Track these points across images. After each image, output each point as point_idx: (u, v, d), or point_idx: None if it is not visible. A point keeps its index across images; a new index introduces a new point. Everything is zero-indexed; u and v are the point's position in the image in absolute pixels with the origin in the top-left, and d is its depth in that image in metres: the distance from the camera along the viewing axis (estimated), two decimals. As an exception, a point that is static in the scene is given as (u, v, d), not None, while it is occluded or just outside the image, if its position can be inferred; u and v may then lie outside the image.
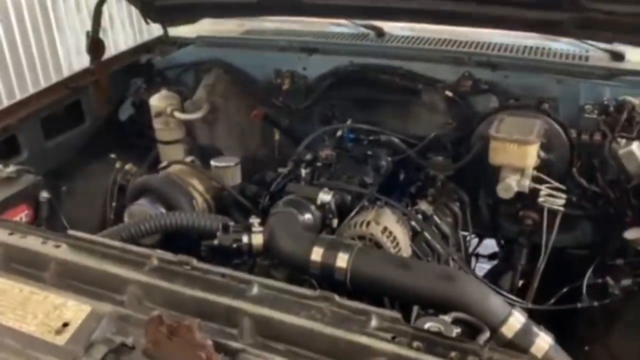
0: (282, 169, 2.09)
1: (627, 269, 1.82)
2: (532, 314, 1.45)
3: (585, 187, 2.03)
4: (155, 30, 2.90)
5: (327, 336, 1.08)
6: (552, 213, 1.95)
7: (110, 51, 2.67)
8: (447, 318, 1.17)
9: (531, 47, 2.27)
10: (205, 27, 2.76)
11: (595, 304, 1.75)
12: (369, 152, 2.07)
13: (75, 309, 1.22)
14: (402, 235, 1.68)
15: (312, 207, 1.73)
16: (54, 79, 4.23)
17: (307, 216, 1.71)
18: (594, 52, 2.20)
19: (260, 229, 1.63)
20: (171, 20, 2.71)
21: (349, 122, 2.25)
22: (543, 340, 1.33)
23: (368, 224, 1.65)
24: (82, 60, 4.36)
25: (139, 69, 2.73)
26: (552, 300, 1.86)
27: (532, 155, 1.85)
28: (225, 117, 2.52)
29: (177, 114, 2.38)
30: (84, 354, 1.12)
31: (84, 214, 2.27)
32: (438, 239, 1.82)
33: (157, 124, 2.43)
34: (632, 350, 1.61)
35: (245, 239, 1.61)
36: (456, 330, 1.12)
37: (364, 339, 1.06)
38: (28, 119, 2.26)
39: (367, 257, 1.50)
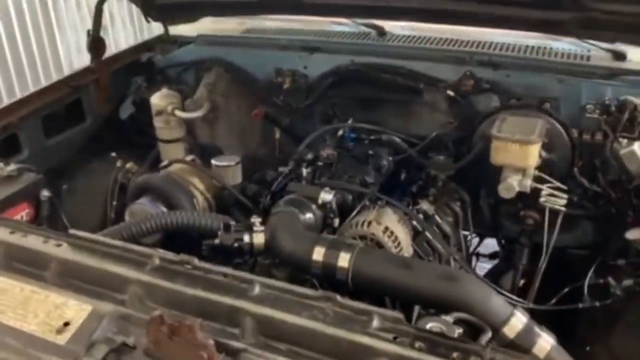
0: (283, 168, 2.09)
1: (628, 269, 1.82)
2: (533, 314, 1.44)
3: (587, 187, 2.03)
4: (155, 28, 2.90)
5: (329, 336, 1.08)
6: (554, 213, 1.95)
7: (111, 49, 2.67)
8: (449, 318, 1.17)
9: (533, 47, 2.27)
10: (206, 25, 2.76)
11: (597, 304, 1.75)
12: (370, 152, 2.07)
13: (76, 309, 1.22)
14: (403, 235, 1.67)
15: (314, 207, 1.72)
16: (55, 77, 4.23)
17: (309, 216, 1.70)
18: (596, 51, 2.19)
19: (262, 228, 1.63)
20: (172, 18, 2.71)
21: (350, 121, 2.24)
22: (545, 341, 1.33)
23: (369, 223, 1.64)
24: (82, 59, 4.35)
25: (139, 68, 2.73)
26: (554, 301, 1.85)
27: (533, 155, 1.85)
28: (226, 116, 2.52)
29: (178, 113, 2.38)
30: (85, 353, 1.11)
31: (85, 212, 2.27)
32: (439, 239, 1.81)
33: (157, 122, 2.43)
34: (634, 350, 1.61)
35: (246, 238, 1.61)
36: (458, 331, 1.12)
37: (365, 339, 1.06)
38: (29, 117, 2.26)
39: (369, 257, 1.49)
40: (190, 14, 2.67)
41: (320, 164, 1.97)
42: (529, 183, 1.87)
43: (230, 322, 1.14)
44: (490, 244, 2.50)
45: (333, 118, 2.38)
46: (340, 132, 2.19)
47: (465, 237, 2.14)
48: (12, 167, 1.95)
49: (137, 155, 2.47)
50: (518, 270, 2.12)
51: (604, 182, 2.01)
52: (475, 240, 2.40)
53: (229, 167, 2.11)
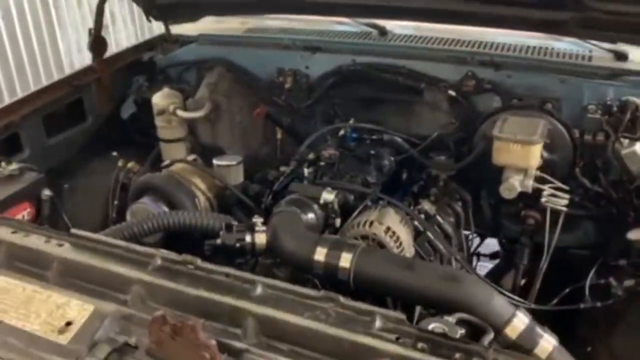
0: (285, 167, 2.09)
1: (630, 270, 1.82)
2: (534, 314, 1.44)
3: (588, 187, 2.03)
4: (156, 28, 2.89)
5: (331, 337, 1.08)
6: (555, 213, 1.94)
7: (112, 49, 2.66)
8: (451, 319, 1.17)
9: (534, 47, 2.26)
10: (208, 25, 2.76)
11: (598, 304, 1.74)
12: (372, 152, 2.07)
13: (78, 308, 1.22)
14: (405, 235, 1.67)
15: (315, 207, 1.73)
16: (55, 76, 4.25)
17: (310, 216, 1.70)
18: (598, 52, 2.19)
19: (264, 228, 1.63)
20: (173, 18, 2.71)
21: (351, 121, 2.24)
22: (547, 342, 1.33)
23: (371, 223, 1.64)
24: (83, 58, 4.36)
25: (141, 67, 2.72)
26: (555, 301, 1.85)
27: (535, 155, 1.85)
28: (228, 115, 2.52)
29: (180, 112, 2.38)
30: (87, 353, 1.12)
31: (86, 212, 2.27)
32: (441, 239, 1.81)
33: (159, 122, 2.43)
34: (635, 351, 1.61)
35: (248, 238, 1.61)
36: (460, 332, 1.12)
37: (368, 340, 1.06)
38: (30, 116, 2.26)
39: (371, 257, 1.49)
40: (192, 13, 2.67)
41: (322, 163, 1.97)
42: (530, 183, 1.87)
43: (233, 323, 1.14)
44: (491, 244, 2.51)
45: (334, 118, 2.38)
46: (341, 132, 2.19)
47: (466, 237, 2.14)
48: (14, 166, 1.96)
49: (138, 154, 2.47)
50: (519, 270, 2.12)
51: (605, 183, 2.01)
52: (476, 240, 2.41)
53: (231, 167, 2.11)
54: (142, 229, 1.73)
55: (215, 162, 2.14)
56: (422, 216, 1.86)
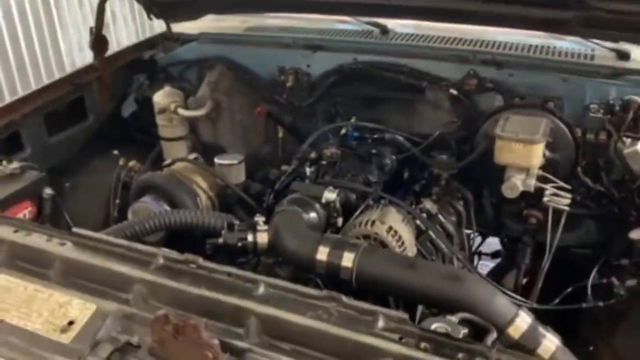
0: (286, 166, 2.09)
1: (632, 269, 1.81)
2: (536, 314, 1.44)
3: (590, 186, 2.02)
4: (157, 26, 2.89)
5: (334, 336, 1.08)
6: (557, 212, 1.94)
7: (113, 47, 2.66)
8: (454, 319, 1.16)
9: (536, 46, 2.26)
10: (209, 23, 2.76)
11: (601, 304, 1.74)
12: (374, 151, 2.07)
13: (80, 308, 1.22)
14: (407, 235, 1.67)
15: (317, 206, 1.72)
16: (57, 76, 4.23)
17: (312, 215, 1.70)
18: (600, 51, 2.19)
19: (265, 227, 1.62)
20: (174, 16, 2.70)
21: (353, 120, 2.24)
22: (550, 341, 1.33)
23: (373, 223, 1.64)
24: (84, 57, 4.36)
25: (141, 65, 2.72)
26: (557, 300, 1.85)
27: (537, 154, 1.84)
28: (229, 114, 2.51)
29: (181, 111, 2.38)
30: (90, 352, 1.11)
31: (87, 210, 2.27)
32: (443, 238, 1.81)
33: (160, 120, 2.43)
34: (637, 350, 1.61)
35: (250, 237, 1.61)
36: (463, 331, 1.12)
37: (370, 340, 1.06)
38: (31, 115, 2.25)
39: (373, 257, 1.49)
40: (193, 12, 2.67)
41: (323, 162, 1.97)
42: (532, 182, 1.86)
43: (235, 322, 1.14)
44: (492, 243, 2.50)
45: (336, 116, 2.38)
46: (343, 131, 2.18)
47: (468, 236, 2.14)
48: (15, 165, 1.95)
49: (139, 153, 2.47)
50: (521, 269, 2.11)
51: (607, 182, 2.01)
52: (478, 239, 2.40)
53: (232, 166, 2.11)
54: (144, 227, 1.73)
55: (216, 160, 2.13)
56: (424, 215, 1.86)
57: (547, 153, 1.92)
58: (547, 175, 1.91)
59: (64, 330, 1.18)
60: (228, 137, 2.53)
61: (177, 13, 2.67)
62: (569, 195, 1.92)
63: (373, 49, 2.37)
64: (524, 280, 2.13)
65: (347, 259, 1.47)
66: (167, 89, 2.44)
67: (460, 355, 1.02)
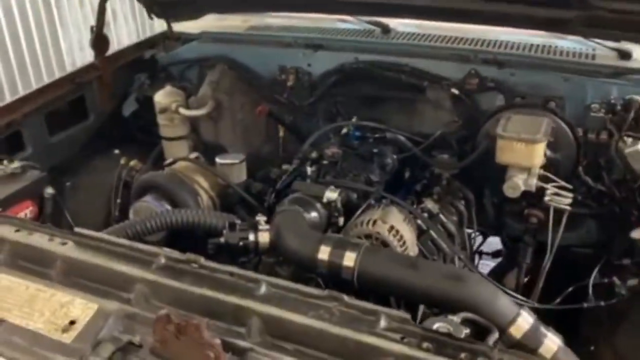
0: (287, 166, 2.09)
1: (633, 269, 1.81)
2: (537, 313, 1.44)
3: (591, 185, 2.02)
4: (158, 25, 2.89)
5: (336, 336, 1.08)
6: (558, 212, 1.94)
7: (114, 46, 2.66)
8: (456, 319, 1.16)
9: (537, 45, 2.25)
10: (210, 22, 2.75)
11: (602, 304, 1.74)
12: (375, 150, 2.06)
13: (82, 307, 1.22)
14: (408, 234, 1.67)
15: (318, 206, 1.72)
16: (57, 75, 4.23)
17: (313, 214, 1.70)
18: (601, 50, 2.18)
19: (267, 227, 1.62)
20: (175, 15, 2.70)
21: (354, 119, 2.24)
22: (552, 341, 1.33)
23: (375, 222, 1.64)
24: (85, 56, 4.36)
25: (142, 65, 2.72)
26: (558, 300, 1.85)
27: (539, 154, 1.84)
28: (230, 113, 2.51)
29: (182, 111, 2.38)
30: (91, 352, 1.11)
31: (88, 210, 2.27)
32: (444, 238, 1.81)
33: (161, 120, 2.43)
34: (639, 350, 1.61)
35: (251, 237, 1.61)
36: (465, 331, 1.12)
37: (372, 340, 1.06)
38: (32, 114, 2.25)
39: (375, 257, 1.49)
40: (194, 11, 2.66)
41: (324, 162, 1.97)
42: (534, 182, 1.86)
43: (237, 322, 1.14)
44: (493, 242, 2.50)
45: (337, 116, 2.38)
46: (344, 130, 2.18)
47: (469, 235, 2.13)
48: (16, 164, 1.95)
49: (140, 152, 2.47)
50: (522, 269, 2.11)
51: (608, 181, 2.01)
52: (479, 238, 2.40)
53: (234, 165, 2.10)
54: (146, 227, 1.73)
55: (218, 160, 2.13)
56: (425, 215, 1.86)
57: (549, 152, 1.92)
58: (549, 174, 1.91)
59: (65, 330, 1.18)
60: (229, 137, 2.53)
61: (178, 12, 2.66)
62: (571, 195, 1.92)
63: (374, 49, 2.37)
64: (525, 279, 2.13)
65: (349, 259, 1.46)
66: (168, 88, 2.44)
67: (462, 355, 1.02)
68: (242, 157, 2.14)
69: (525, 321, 1.34)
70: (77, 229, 1.38)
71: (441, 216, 1.91)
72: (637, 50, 2.13)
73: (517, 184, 1.85)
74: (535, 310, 1.48)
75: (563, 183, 1.92)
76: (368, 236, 1.63)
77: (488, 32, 2.35)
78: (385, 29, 2.46)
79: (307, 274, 1.59)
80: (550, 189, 1.91)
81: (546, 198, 1.91)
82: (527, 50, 2.24)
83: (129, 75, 2.68)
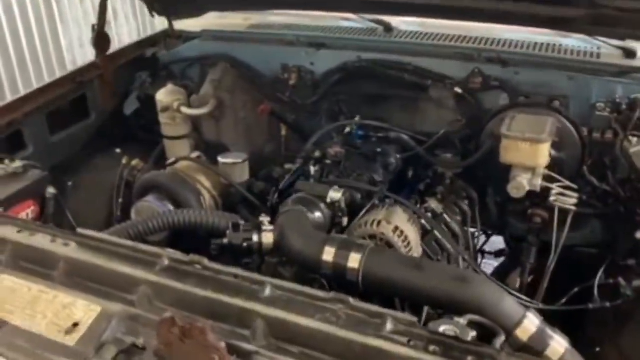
0: (289, 165, 2.08)
1: (639, 270, 1.80)
2: (542, 314, 1.43)
3: (596, 185, 2.01)
4: (159, 24, 2.87)
5: (342, 339, 1.07)
6: (562, 212, 1.93)
7: (114, 44, 2.64)
8: (463, 321, 1.15)
9: (542, 44, 2.24)
10: (211, 20, 2.74)
11: (608, 304, 1.73)
12: (378, 150, 2.05)
13: (85, 309, 1.21)
14: (413, 235, 1.66)
15: (322, 206, 1.71)
16: (58, 72, 4.24)
17: (317, 215, 1.69)
18: (606, 49, 2.17)
19: (271, 227, 1.61)
20: (176, 13, 2.69)
21: (357, 118, 2.22)
22: (558, 344, 1.32)
23: (379, 223, 1.63)
24: (85, 53, 4.36)
25: (144, 63, 2.71)
26: (563, 301, 1.84)
27: (544, 154, 1.83)
28: (232, 112, 2.50)
29: (184, 109, 2.36)
30: (95, 354, 1.11)
31: (90, 209, 2.26)
32: (448, 238, 1.80)
33: (163, 119, 2.42)
34: (644, 351, 1.60)
35: (255, 237, 1.59)
36: (472, 334, 1.10)
37: (379, 343, 1.05)
38: (33, 113, 2.24)
39: (380, 258, 1.48)
40: (195, 9, 2.65)
41: (328, 162, 1.95)
42: (539, 182, 1.85)
43: (241, 324, 1.13)
44: (495, 241, 2.49)
45: (339, 115, 2.37)
46: (347, 130, 2.17)
47: (472, 234, 2.12)
48: (18, 164, 1.95)
49: (141, 151, 2.46)
50: (526, 269, 2.09)
51: (613, 181, 1.99)
52: (481, 237, 2.39)
53: (236, 165, 2.10)
54: (148, 227, 1.72)
55: (220, 160, 2.12)
56: (429, 215, 1.85)
57: (553, 152, 1.91)
58: (554, 174, 1.90)
59: (68, 332, 1.17)
60: (231, 136, 2.52)
61: (179, 10, 2.65)
62: (576, 195, 1.91)
63: (377, 47, 2.35)
64: (528, 280, 2.11)
65: (354, 260, 1.45)
66: (170, 87, 2.42)
67: (469, 358, 1.01)
68: (244, 157, 2.13)
69: (531, 323, 1.33)
70: (79, 230, 1.37)
71: (445, 216, 1.90)
72: (642, 49, 2.11)
73: (522, 184, 1.83)
74: (540, 312, 1.47)
75: (568, 183, 1.91)
76: (372, 237, 1.62)
77: (491, 31, 2.34)
78: (388, 28, 2.45)
79: (311, 275, 1.58)
80: (555, 189, 1.90)
81: (551, 198, 1.90)
82: (531, 48, 2.22)
83: (130, 74, 2.67)
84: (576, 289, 1.85)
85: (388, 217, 1.65)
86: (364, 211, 1.72)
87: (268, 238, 1.60)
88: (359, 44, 2.39)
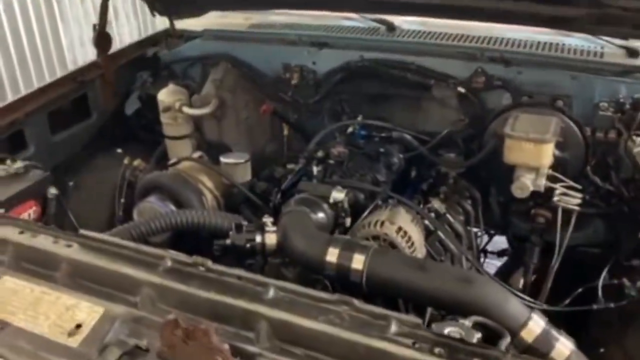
0: (292, 165, 2.07)
1: (643, 270, 1.80)
2: (546, 315, 1.42)
3: (599, 185, 2.00)
4: (160, 22, 2.87)
5: (346, 341, 1.06)
6: (566, 212, 1.92)
7: (115, 44, 2.64)
8: (468, 322, 1.15)
9: (545, 43, 2.23)
10: (212, 20, 2.73)
11: (612, 305, 1.72)
12: (381, 149, 2.04)
13: (88, 310, 1.21)
14: (416, 235, 1.65)
15: (325, 206, 1.70)
16: (58, 71, 4.24)
17: (320, 215, 1.68)
18: (609, 48, 2.16)
19: (274, 228, 1.60)
20: (177, 13, 2.68)
21: (359, 118, 2.21)
22: (564, 345, 1.31)
23: (382, 223, 1.62)
24: (86, 52, 4.35)
25: (145, 63, 2.70)
26: (567, 301, 1.83)
27: (548, 154, 1.82)
28: (234, 112, 2.49)
29: (186, 109, 2.36)
30: (98, 356, 1.10)
31: (91, 209, 2.26)
32: (452, 238, 1.79)
33: (164, 119, 2.41)
34: (648, 352, 1.59)
35: (258, 238, 1.59)
36: (477, 336, 1.10)
37: (384, 345, 1.04)
38: (35, 113, 2.24)
39: (384, 259, 1.47)
40: (196, 8, 2.65)
41: (331, 162, 1.94)
42: (543, 182, 1.84)
43: (245, 326, 1.13)
44: (497, 241, 2.49)
45: (342, 114, 2.36)
46: (350, 129, 2.16)
47: (475, 234, 2.12)
48: (19, 164, 1.94)
49: (143, 151, 2.46)
50: (529, 269, 2.09)
51: (616, 181, 1.98)
52: (484, 237, 2.38)
53: (238, 165, 2.09)
54: (150, 228, 1.71)
55: (222, 160, 2.12)
56: (433, 215, 1.84)
57: (557, 152, 1.89)
58: (557, 174, 1.89)
59: (71, 334, 1.17)
60: (233, 135, 2.51)
61: (180, 10, 2.64)
62: (579, 195, 1.90)
63: (379, 47, 2.34)
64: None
65: (358, 261, 1.45)
66: (171, 87, 2.41)
67: (474, 360, 1.01)
68: (247, 157, 2.12)
69: (536, 325, 1.32)
70: (82, 231, 1.37)
71: (448, 216, 1.90)
72: (645, 49, 2.10)
73: (526, 184, 1.82)
74: (543, 312, 1.46)
75: (571, 183, 1.91)
76: (376, 237, 1.61)
77: (494, 30, 2.33)
78: (390, 27, 2.44)
79: (314, 276, 1.58)
80: (558, 189, 1.89)
81: (555, 198, 1.89)
82: (534, 48, 2.21)
83: (131, 74, 2.66)
84: (580, 290, 1.84)
85: (391, 218, 1.64)
86: (367, 211, 1.71)
87: (271, 239, 1.59)
88: (362, 43, 2.38)
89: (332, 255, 1.47)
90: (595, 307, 1.76)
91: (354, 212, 1.73)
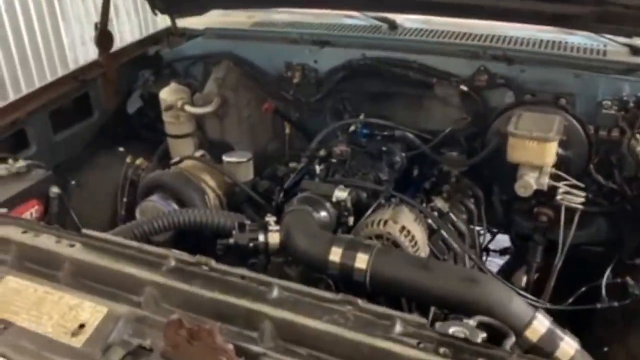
0: (294, 163, 2.07)
1: (646, 269, 1.79)
2: (549, 314, 1.42)
3: (602, 183, 2.00)
4: (161, 21, 2.86)
5: (350, 341, 1.06)
6: (569, 210, 1.92)
7: (116, 42, 2.63)
8: (472, 322, 1.14)
9: (548, 41, 2.22)
10: (214, 18, 2.72)
11: (615, 304, 1.72)
12: (384, 148, 2.04)
13: (91, 310, 1.21)
14: (419, 234, 1.65)
15: (328, 205, 1.70)
16: (60, 70, 4.23)
17: (323, 214, 1.68)
18: (612, 46, 2.15)
19: (277, 227, 1.60)
20: (179, 11, 2.67)
21: (361, 116, 2.21)
22: (568, 345, 1.30)
23: (385, 222, 1.61)
24: (87, 51, 4.35)
25: (146, 61, 2.70)
26: (571, 300, 1.83)
27: (551, 152, 1.81)
28: (236, 110, 2.49)
29: (188, 108, 2.35)
30: (102, 356, 1.10)
31: (94, 208, 2.26)
32: (455, 237, 1.79)
33: (167, 117, 2.40)
34: (652, 351, 1.59)
35: (261, 237, 1.58)
36: (481, 335, 1.09)
37: (388, 345, 1.04)
38: (37, 112, 2.23)
39: (387, 258, 1.47)
40: (198, 7, 2.64)
41: (333, 160, 1.94)
42: (546, 181, 1.83)
43: (249, 326, 1.13)
44: (500, 239, 2.48)
45: (344, 113, 2.35)
46: (352, 128, 2.15)
47: (477, 232, 2.11)
48: (21, 163, 1.94)
49: (144, 149, 2.45)
50: (532, 268, 2.09)
51: (620, 179, 1.98)
52: (487, 236, 2.38)
53: (241, 164, 2.09)
54: (153, 227, 1.71)
55: (225, 158, 2.11)
56: (435, 214, 1.83)
57: (560, 151, 1.89)
58: (560, 173, 1.89)
59: (75, 334, 1.16)
60: (235, 134, 2.50)
61: (181, 8, 2.64)
62: (583, 194, 1.89)
63: (381, 45, 2.33)
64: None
65: (361, 260, 1.44)
66: (173, 85, 2.41)
67: (479, 360, 1.00)
68: (249, 156, 2.12)
69: (541, 324, 1.32)
70: (84, 231, 1.36)
71: (451, 215, 1.90)
72: (648, 47, 2.10)
73: (529, 182, 1.82)
74: (547, 311, 1.45)
75: (575, 181, 1.90)
76: (379, 236, 1.61)
77: (496, 28, 2.32)
78: (392, 25, 2.43)
79: (317, 275, 1.57)
80: (561, 187, 1.88)
81: (558, 197, 1.89)
82: (537, 46, 2.21)
83: (133, 72, 2.66)
84: (583, 288, 1.84)
85: (394, 217, 1.64)
86: (370, 210, 1.71)
87: (274, 238, 1.58)
88: (363, 41, 2.38)
89: (336, 254, 1.47)
90: (598, 306, 1.75)
91: (357, 211, 1.73)
